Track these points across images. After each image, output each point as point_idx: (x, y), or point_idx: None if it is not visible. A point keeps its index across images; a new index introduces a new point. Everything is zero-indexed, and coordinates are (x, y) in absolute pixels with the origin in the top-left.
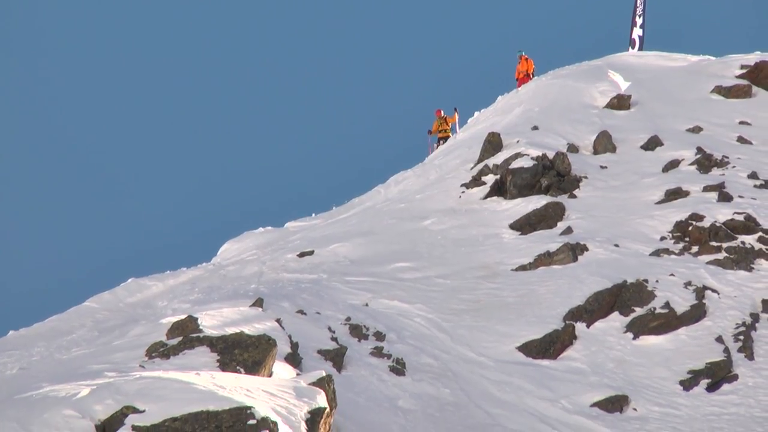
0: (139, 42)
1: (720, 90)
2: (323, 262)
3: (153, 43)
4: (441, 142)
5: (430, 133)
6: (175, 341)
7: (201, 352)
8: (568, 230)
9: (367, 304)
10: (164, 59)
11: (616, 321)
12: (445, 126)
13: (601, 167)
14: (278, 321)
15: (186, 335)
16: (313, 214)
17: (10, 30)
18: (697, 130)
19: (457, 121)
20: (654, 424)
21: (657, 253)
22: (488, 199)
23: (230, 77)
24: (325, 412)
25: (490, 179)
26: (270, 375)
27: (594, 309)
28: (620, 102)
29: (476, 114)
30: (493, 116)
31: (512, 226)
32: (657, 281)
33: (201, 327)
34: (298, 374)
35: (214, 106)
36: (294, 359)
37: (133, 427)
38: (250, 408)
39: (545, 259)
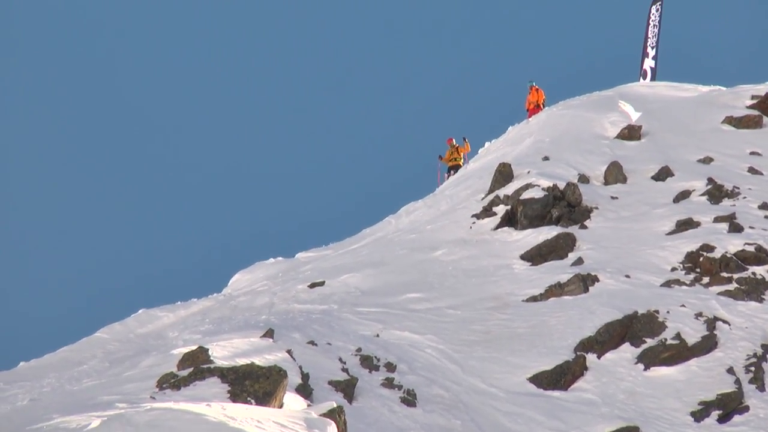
0: (151, 70)
1: (731, 120)
2: (334, 293)
3: (167, 77)
4: (452, 171)
5: (441, 159)
6: (185, 372)
7: (212, 383)
8: (579, 261)
9: (378, 335)
10: (178, 96)
11: (627, 352)
12: (457, 155)
13: (612, 198)
14: (289, 352)
15: (197, 366)
16: (329, 244)
17: (9, 30)
18: (707, 160)
19: (468, 150)
20: None
21: (668, 284)
22: (499, 229)
23: (246, 109)
24: None
25: (500, 210)
26: (281, 406)
27: (605, 340)
28: (631, 132)
29: (487, 144)
30: (503, 146)
31: (523, 257)
32: (668, 312)
33: (212, 358)
34: (309, 405)
35: (227, 136)
36: (305, 390)
37: None
38: None
39: (556, 290)
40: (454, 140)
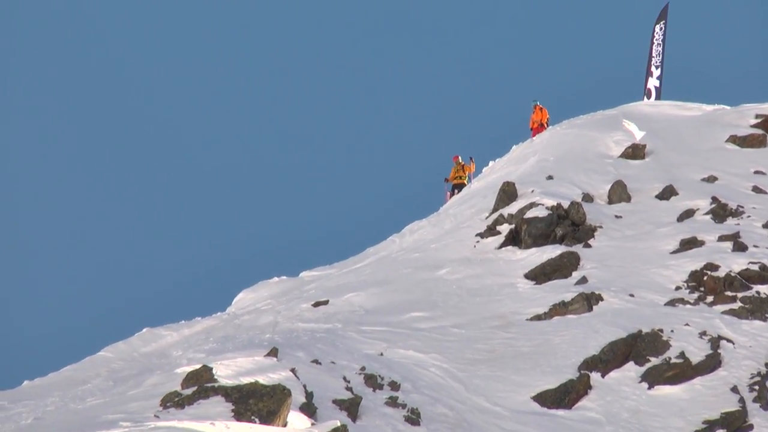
0: (159, 87)
1: (735, 139)
2: (338, 312)
3: (169, 96)
4: (456, 190)
5: (447, 181)
6: (189, 391)
7: (216, 401)
8: (583, 280)
9: (382, 354)
10: (181, 115)
11: (631, 371)
12: (461, 173)
13: (616, 217)
14: (293, 371)
15: (201, 385)
16: (333, 263)
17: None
18: (712, 179)
19: (473, 170)
20: None
21: (672, 302)
22: (503, 248)
23: (251, 128)
24: None
25: (504, 229)
26: (285, 425)
27: (609, 359)
28: (635, 151)
29: (491, 163)
30: (507, 166)
31: (527, 276)
32: (672, 331)
33: (216, 377)
34: (312, 424)
35: (232, 156)
36: (309, 409)
37: None
38: None
39: (560, 308)
40: (460, 158)
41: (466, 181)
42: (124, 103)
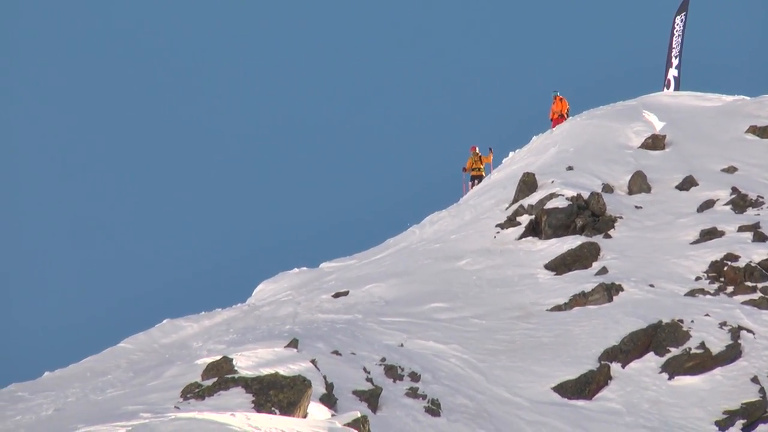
0: (173, 80)
1: (755, 130)
2: (358, 303)
3: (189, 86)
4: (475, 181)
5: (464, 171)
6: (210, 382)
7: (236, 393)
8: (603, 270)
9: (402, 345)
10: (205, 100)
11: (651, 361)
12: (479, 164)
13: (636, 207)
14: (313, 362)
15: (221, 376)
16: (353, 254)
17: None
18: (731, 170)
19: (491, 161)
20: None
21: (692, 293)
22: (523, 239)
23: (270, 118)
24: None
25: (525, 219)
26: (305, 416)
27: (629, 349)
28: (655, 142)
29: (511, 154)
30: (527, 156)
31: (547, 267)
32: (692, 321)
33: (236, 368)
34: (333, 415)
35: (252, 146)
36: (329, 400)
37: None
38: None
39: (580, 299)
40: (477, 148)
41: (483, 172)
42: (148, 99)
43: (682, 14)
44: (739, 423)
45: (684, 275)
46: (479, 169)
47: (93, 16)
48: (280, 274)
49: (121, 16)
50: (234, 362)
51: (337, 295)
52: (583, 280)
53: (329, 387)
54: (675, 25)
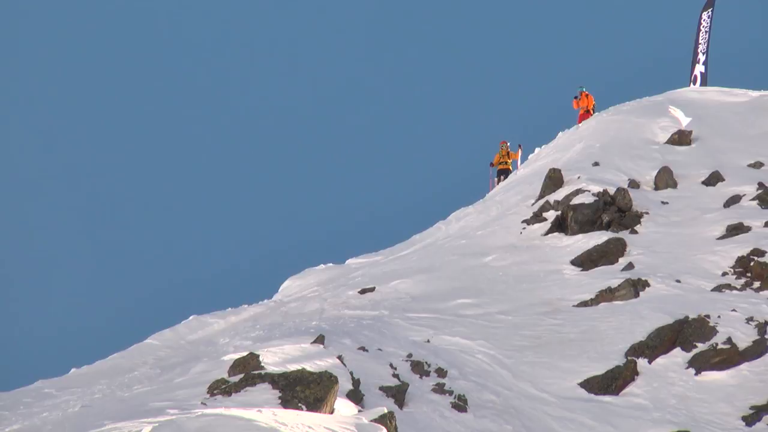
0: (202, 79)
1: None
2: (384, 299)
3: (218, 82)
4: (502, 176)
5: (492, 165)
6: (236, 378)
7: (263, 389)
8: (630, 266)
9: (428, 341)
10: (236, 96)
11: (678, 357)
12: (506, 159)
13: (663, 203)
14: (340, 358)
15: (248, 372)
16: (379, 250)
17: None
18: (758, 165)
19: (519, 157)
20: None
21: (719, 288)
22: (549, 235)
23: (298, 113)
24: None
25: (551, 215)
26: (332, 412)
27: (656, 345)
28: (681, 137)
29: (537, 150)
30: (553, 152)
31: (573, 262)
32: (719, 317)
33: (263, 364)
34: (359, 411)
35: (276, 142)
36: (356, 396)
37: None
38: None
39: (607, 294)
40: (508, 143)
41: (510, 167)
42: (182, 96)
43: (709, 10)
44: (766, 418)
45: (710, 271)
46: (506, 163)
47: (93, 16)
48: (307, 270)
49: (127, 16)
50: (261, 358)
51: (363, 291)
52: (610, 275)
53: (356, 383)
54: (702, 21)
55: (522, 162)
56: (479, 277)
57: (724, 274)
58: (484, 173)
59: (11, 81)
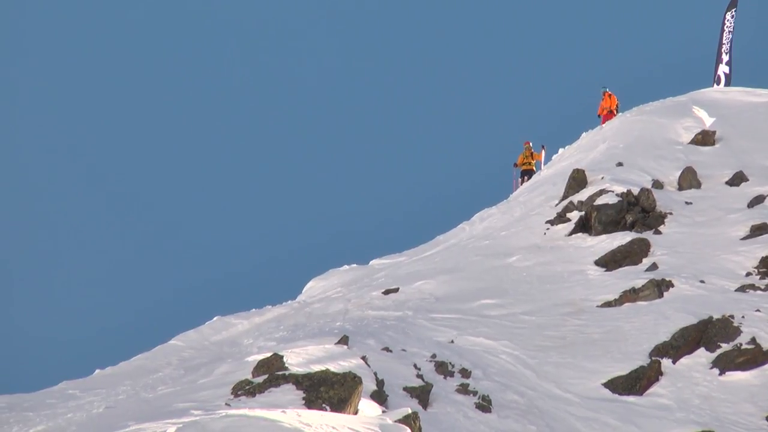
0: (232, 79)
1: None
2: (408, 300)
3: (246, 82)
4: (525, 177)
5: (516, 166)
6: (260, 379)
7: (287, 389)
8: (654, 266)
9: (452, 341)
10: (255, 104)
11: (702, 357)
12: (530, 159)
13: (686, 203)
14: (364, 358)
15: (272, 373)
16: (403, 251)
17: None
18: None
19: (542, 158)
20: None
21: (743, 288)
22: (573, 235)
23: (322, 114)
24: None
25: (574, 216)
26: (356, 412)
27: (680, 345)
28: (705, 138)
29: (561, 150)
30: (577, 153)
31: (597, 263)
32: (743, 317)
33: (287, 365)
34: (383, 411)
35: (302, 142)
36: (380, 396)
37: None
38: None
39: (631, 295)
40: (531, 144)
41: (534, 167)
42: (199, 95)
43: (732, 10)
44: None
45: (734, 271)
46: (530, 164)
47: (93, 15)
48: (331, 271)
49: (128, 15)
50: (285, 359)
51: (387, 292)
52: (634, 276)
53: (380, 383)
54: (725, 21)
55: (545, 162)
56: (503, 277)
57: (748, 274)
58: (507, 174)
59: (18, 81)
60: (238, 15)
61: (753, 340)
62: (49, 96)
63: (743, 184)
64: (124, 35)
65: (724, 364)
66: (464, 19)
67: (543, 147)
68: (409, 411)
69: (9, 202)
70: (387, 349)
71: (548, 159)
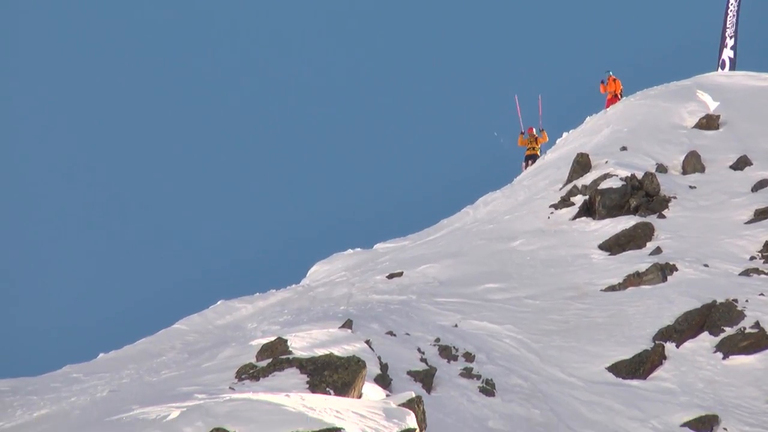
0: (243, 64)
1: None
2: (412, 284)
3: (253, 67)
4: (530, 161)
5: (519, 145)
6: (264, 363)
7: (290, 373)
8: (657, 250)
9: (456, 325)
10: (261, 89)
11: (705, 341)
12: (534, 144)
13: (690, 187)
14: (368, 342)
15: (275, 357)
16: (407, 235)
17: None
18: None
19: (546, 139)
20: None
21: (746, 272)
22: (577, 219)
23: (321, 101)
24: None
25: (578, 200)
26: (360, 396)
27: (683, 329)
28: (709, 122)
29: (564, 134)
30: (581, 137)
31: (601, 247)
32: (747, 301)
33: (290, 349)
34: (387, 395)
35: (303, 128)
36: (383, 380)
37: None
38: (339, 429)
39: (634, 279)
40: (534, 129)
41: (538, 152)
42: (212, 85)
43: None
44: None
45: (738, 255)
46: (534, 148)
47: (93, 15)
48: (335, 255)
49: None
50: (288, 343)
51: (391, 276)
52: (637, 260)
53: (384, 367)
54: (729, 5)
55: (549, 147)
56: (507, 261)
57: (752, 258)
58: (512, 158)
59: (10, 79)
60: (229, 10)
61: (757, 324)
62: (45, 87)
63: (747, 168)
64: (110, 30)
65: (727, 348)
66: (470, 4)
67: (542, 130)
68: (413, 395)
69: (16, 187)
70: (391, 333)
71: (552, 143)
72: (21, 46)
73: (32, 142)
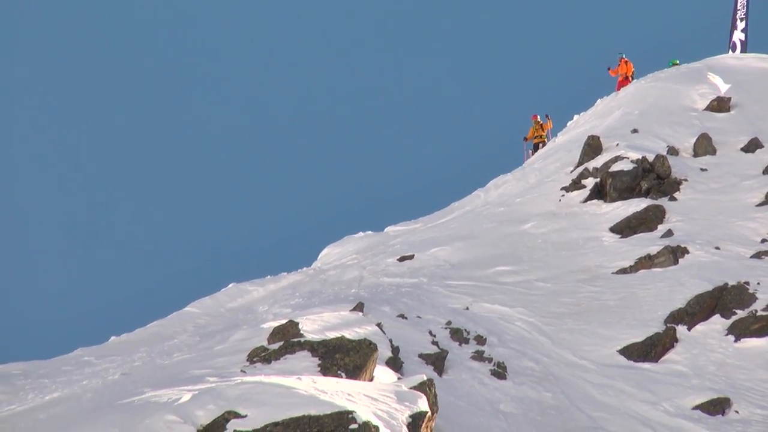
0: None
1: None
2: (423, 267)
3: (262, 55)
4: (539, 146)
5: (526, 140)
6: (276, 346)
7: (302, 356)
8: (669, 233)
9: (467, 308)
10: (272, 70)
11: (717, 323)
12: (541, 132)
13: (701, 170)
14: (379, 325)
15: (287, 340)
16: (418, 218)
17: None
18: None
19: (551, 126)
20: (756, 426)
21: (758, 255)
22: (588, 202)
23: (331, 86)
24: (427, 416)
25: (590, 182)
26: (371, 379)
27: (695, 312)
28: (720, 104)
29: (576, 117)
30: (592, 119)
31: (612, 229)
32: (758, 283)
33: (302, 332)
34: (399, 378)
35: (315, 111)
36: (395, 363)
37: None
38: (351, 412)
39: (646, 262)
40: (538, 117)
41: (545, 139)
42: (216, 77)
43: None
44: None
45: (750, 237)
46: (541, 136)
47: (93, 14)
48: (346, 238)
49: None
50: (300, 326)
51: (402, 259)
52: (649, 242)
53: (395, 350)
54: None
55: (557, 131)
56: (518, 244)
57: (763, 240)
58: (519, 143)
59: (8, 77)
60: (228, 10)
61: None
62: (44, 85)
63: (758, 150)
64: (110, 30)
65: (739, 330)
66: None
67: (547, 116)
68: (425, 378)
69: (32, 173)
70: (402, 316)
71: (563, 126)
72: (20, 47)
73: (32, 140)
